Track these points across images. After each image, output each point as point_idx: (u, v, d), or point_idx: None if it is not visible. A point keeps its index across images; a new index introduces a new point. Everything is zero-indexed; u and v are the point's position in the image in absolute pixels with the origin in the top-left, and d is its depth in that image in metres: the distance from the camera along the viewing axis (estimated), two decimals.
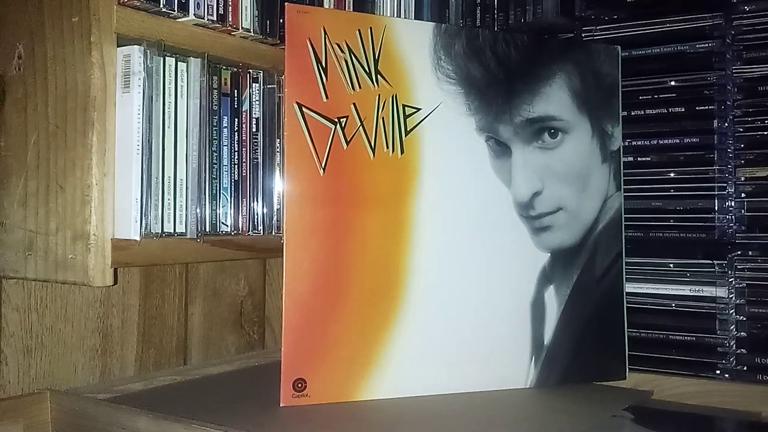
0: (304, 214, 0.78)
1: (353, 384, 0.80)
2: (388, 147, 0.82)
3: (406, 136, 0.82)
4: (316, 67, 0.79)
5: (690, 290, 0.95)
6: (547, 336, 0.89)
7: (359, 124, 0.81)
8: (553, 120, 0.89)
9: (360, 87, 0.81)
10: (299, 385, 0.78)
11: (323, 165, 0.79)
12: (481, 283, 0.86)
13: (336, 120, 0.79)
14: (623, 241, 0.94)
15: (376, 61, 0.81)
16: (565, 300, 0.89)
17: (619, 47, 0.95)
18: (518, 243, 0.87)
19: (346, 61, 0.80)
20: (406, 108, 0.83)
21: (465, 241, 0.85)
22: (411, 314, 0.82)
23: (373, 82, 0.81)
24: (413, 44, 0.83)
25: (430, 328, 0.83)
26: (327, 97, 0.79)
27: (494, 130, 0.86)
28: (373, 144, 0.81)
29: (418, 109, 0.83)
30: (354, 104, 0.80)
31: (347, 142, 0.80)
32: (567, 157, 0.90)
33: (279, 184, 0.86)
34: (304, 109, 0.78)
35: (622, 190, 0.94)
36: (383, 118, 0.82)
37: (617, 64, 0.95)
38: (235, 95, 0.83)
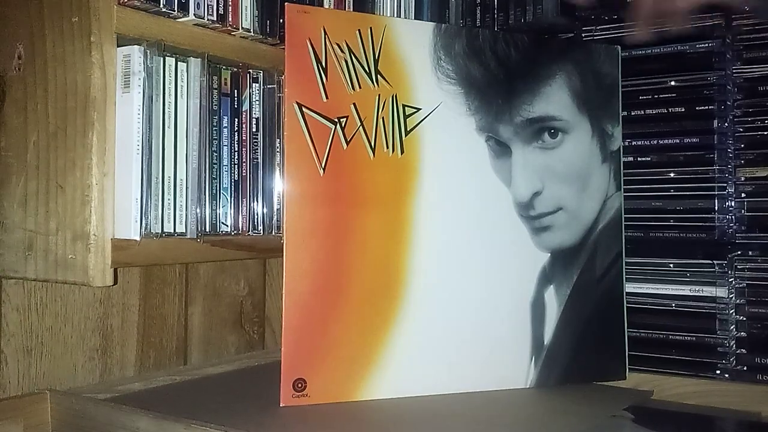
0: (304, 214, 0.78)
1: (353, 384, 0.80)
2: (388, 147, 0.82)
3: (406, 136, 0.82)
4: (316, 67, 0.79)
5: (690, 290, 0.95)
6: (547, 336, 0.89)
7: (359, 124, 0.80)
8: (553, 120, 0.89)
9: (360, 87, 0.81)
10: (299, 385, 0.78)
11: (323, 165, 0.79)
12: (481, 283, 0.86)
13: (336, 120, 0.79)
14: (623, 241, 0.94)
15: (376, 61, 0.81)
16: (565, 300, 0.89)
17: (619, 47, 0.95)
18: (518, 243, 0.87)
19: (346, 61, 0.80)
20: (406, 108, 0.83)
21: (465, 241, 0.85)
22: (411, 314, 0.82)
23: (373, 82, 0.81)
24: (413, 44, 0.83)
25: (430, 328, 0.83)
26: (327, 97, 0.79)
27: (494, 130, 0.86)
28: (373, 144, 0.81)
29: (418, 109, 0.83)
30: (354, 104, 0.80)
31: (347, 142, 0.80)
32: (567, 157, 0.90)
33: (279, 184, 0.86)
34: (304, 109, 0.78)
35: (622, 190, 0.94)
36: (383, 118, 0.82)
37: (617, 64, 0.95)
38: (235, 95, 0.83)
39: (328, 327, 0.79)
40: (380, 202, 0.81)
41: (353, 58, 0.80)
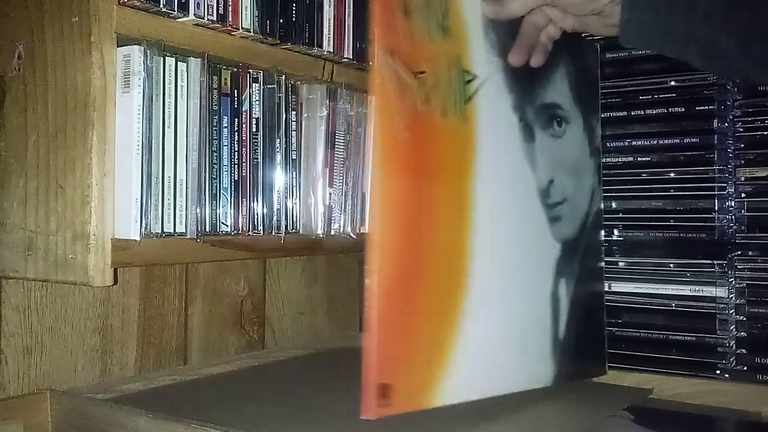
0: (388, 181, 0.68)
1: (430, 387, 0.70)
2: (453, 113, 0.74)
3: (465, 104, 0.75)
4: (401, 10, 0.70)
5: (690, 290, 0.94)
6: (561, 331, 0.86)
7: (435, 82, 0.72)
8: (559, 108, 0.87)
9: (436, 40, 0.73)
10: (384, 392, 0.65)
11: (405, 124, 0.69)
12: (520, 275, 0.81)
13: (417, 74, 0.71)
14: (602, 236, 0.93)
15: (444, 14, 0.74)
16: (571, 294, 0.87)
17: (598, 44, 0.95)
18: (540, 233, 0.84)
19: (426, 6, 0.72)
20: (465, 73, 0.75)
21: (510, 227, 0.79)
22: (474, 307, 0.74)
23: (443, 38, 0.73)
24: (471, 5, 0.76)
25: (491, 321, 0.76)
26: (410, 46, 0.70)
27: (524, 111, 0.82)
28: (443, 107, 0.73)
29: (475, 77, 0.76)
30: (431, 59, 0.72)
31: (424, 101, 0.71)
32: (569, 147, 0.88)
33: (279, 184, 0.86)
34: (391, 57, 0.68)
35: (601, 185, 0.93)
36: (449, 80, 0.74)
37: (598, 59, 0.95)
38: (235, 95, 0.83)
39: (409, 319, 0.69)
40: (446, 176, 0.72)
41: (429, 5, 0.72)
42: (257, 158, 0.85)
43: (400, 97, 0.69)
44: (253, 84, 0.85)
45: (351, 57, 0.93)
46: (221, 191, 0.81)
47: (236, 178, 0.82)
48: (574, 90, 0.89)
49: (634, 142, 0.98)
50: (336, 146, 0.92)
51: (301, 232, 0.89)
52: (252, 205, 0.84)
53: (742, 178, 0.93)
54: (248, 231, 0.83)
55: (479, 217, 0.75)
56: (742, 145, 0.93)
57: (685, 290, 0.95)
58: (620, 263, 0.98)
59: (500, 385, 0.78)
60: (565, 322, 0.87)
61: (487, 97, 0.77)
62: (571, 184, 0.88)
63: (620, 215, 0.98)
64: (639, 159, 0.98)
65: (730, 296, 0.92)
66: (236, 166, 0.83)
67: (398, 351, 0.68)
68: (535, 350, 0.83)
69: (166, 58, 0.75)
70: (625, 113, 0.97)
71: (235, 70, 0.83)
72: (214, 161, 0.80)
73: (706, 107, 0.94)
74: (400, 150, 0.69)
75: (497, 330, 0.78)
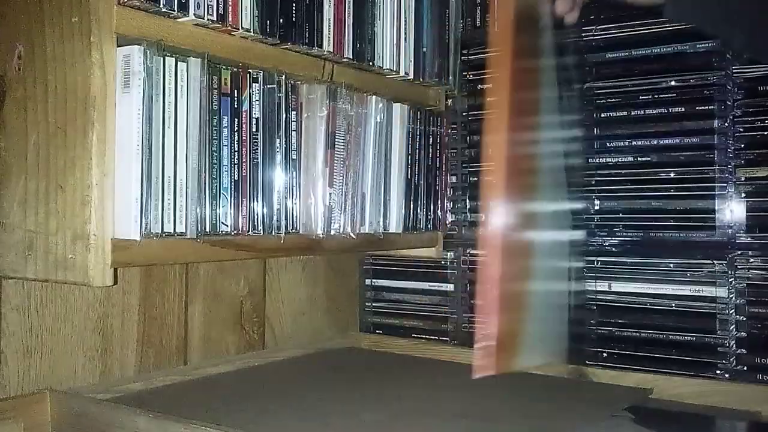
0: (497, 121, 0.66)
1: (513, 349, 0.69)
2: (532, 54, 0.73)
3: (536, 45, 0.73)
4: None
5: (690, 290, 0.95)
6: (570, 310, 0.82)
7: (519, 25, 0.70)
8: (568, 71, 0.85)
9: None
10: (489, 350, 0.65)
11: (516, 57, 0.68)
12: (555, 242, 0.78)
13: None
14: None
15: None
16: (574, 274, 0.85)
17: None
18: (563, 199, 0.81)
19: None
20: (535, 12, 0.73)
21: (552, 192, 0.77)
22: (534, 271, 0.72)
23: None
24: None
25: (542, 285, 0.74)
26: None
27: (557, 63, 0.79)
28: (529, 46, 0.72)
29: (541, 18, 0.74)
30: None
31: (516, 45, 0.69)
32: (570, 113, 0.86)
33: (279, 184, 0.86)
34: None
35: None
36: (530, 21, 0.72)
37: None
38: (235, 95, 0.83)
39: (505, 281, 0.67)
40: (527, 119, 0.71)
41: None
42: (257, 158, 0.85)
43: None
44: (253, 84, 0.84)
45: (351, 57, 0.93)
46: (221, 191, 0.81)
47: (236, 178, 0.82)
48: (568, 64, 0.86)
49: (634, 142, 0.98)
50: (336, 146, 0.92)
51: (301, 232, 0.89)
52: (252, 205, 0.84)
53: (742, 178, 0.93)
54: (248, 231, 0.83)
55: (540, 173, 0.73)
56: (742, 145, 0.93)
57: (685, 290, 0.95)
58: (620, 263, 0.98)
59: (546, 353, 0.77)
60: (573, 303, 0.83)
61: (545, 42, 0.75)
62: (574, 152, 0.86)
63: (620, 215, 0.98)
64: (639, 159, 0.98)
65: (730, 296, 0.92)
66: (236, 166, 0.83)
67: (498, 309, 0.66)
68: (559, 321, 0.80)
69: (166, 58, 0.75)
70: (625, 113, 0.97)
71: (235, 70, 0.83)
72: (214, 161, 0.80)
73: (706, 107, 0.95)
74: (512, 80, 0.67)
75: (546, 295, 0.76)
